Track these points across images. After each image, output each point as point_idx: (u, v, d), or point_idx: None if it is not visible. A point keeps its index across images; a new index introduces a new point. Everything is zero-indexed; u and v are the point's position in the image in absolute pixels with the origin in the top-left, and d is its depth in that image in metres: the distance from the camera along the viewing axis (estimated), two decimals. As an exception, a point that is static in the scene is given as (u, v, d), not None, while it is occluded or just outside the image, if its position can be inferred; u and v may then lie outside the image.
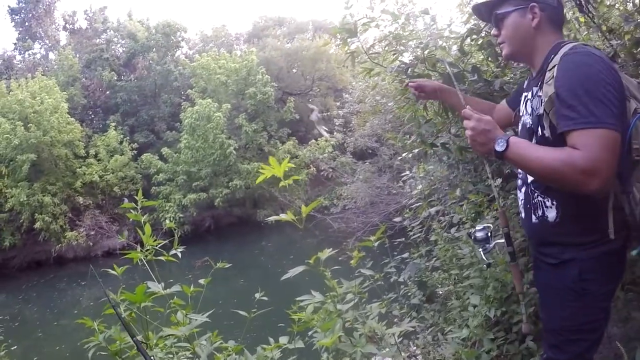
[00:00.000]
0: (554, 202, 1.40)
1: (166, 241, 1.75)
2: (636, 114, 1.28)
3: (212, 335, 1.76)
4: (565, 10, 2.31)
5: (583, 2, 2.01)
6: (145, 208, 1.81)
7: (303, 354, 1.80)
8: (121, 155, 18.44)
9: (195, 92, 19.70)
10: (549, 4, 1.44)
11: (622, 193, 1.31)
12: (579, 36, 2.35)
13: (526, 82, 1.61)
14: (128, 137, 19.44)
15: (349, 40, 2.46)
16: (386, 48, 2.78)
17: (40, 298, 13.36)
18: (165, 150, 18.54)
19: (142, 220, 1.68)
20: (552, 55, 1.37)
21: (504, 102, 1.85)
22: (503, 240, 1.68)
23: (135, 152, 19.04)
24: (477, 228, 1.72)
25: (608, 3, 2.24)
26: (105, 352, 1.68)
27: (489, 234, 1.69)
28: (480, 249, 1.70)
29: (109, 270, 1.80)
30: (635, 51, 1.97)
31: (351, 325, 1.85)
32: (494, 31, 1.59)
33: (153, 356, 1.57)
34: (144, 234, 1.66)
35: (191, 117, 17.80)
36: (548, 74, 1.35)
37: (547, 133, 1.36)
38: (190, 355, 1.74)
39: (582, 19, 2.21)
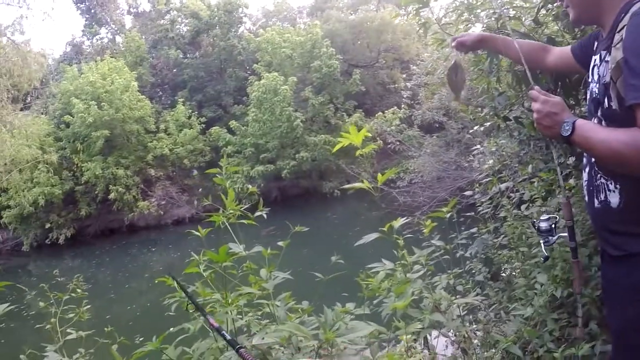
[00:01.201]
0: (618, 186, 1.27)
1: (248, 205, 1.89)
2: None
3: (286, 296, 1.87)
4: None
5: None
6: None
7: (369, 320, 1.87)
8: (190, 129, 19.41)
9: (261, 66, 20.08)
10: None
11: None
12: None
13: (596, 44, 1.44)
14: (196, 112, 20.37)
15: (420, 10, 2.42)
16: (458, 18, 2.71)
17: (112, 263, 14.35)
18: (233, 124, 19.18)
19: (226, 184, 1.81)
20: (623, 15, 1.23)
21: (568, 48, 1.69)
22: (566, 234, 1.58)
23: (204, 125, 19.92)
24: (542, 218, 1.65)
25: None
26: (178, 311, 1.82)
27: (554, 226, 1.61)
28: (542, 241, 1.63)
29: (193, 231, 1.95)
30: None
31: (419, 294, 1.90)
32: None
33: (229, 312, 1.70)
34: (226, 198, 1.79)
35: (258, 90, 18.24)
36: (617, 37, 1.21)
37: (614, 105, 1.23)
38: (259, 316, 1.85)
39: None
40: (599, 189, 1.34)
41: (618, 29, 1.22)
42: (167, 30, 23.13)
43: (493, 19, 2.52)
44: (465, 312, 2.28)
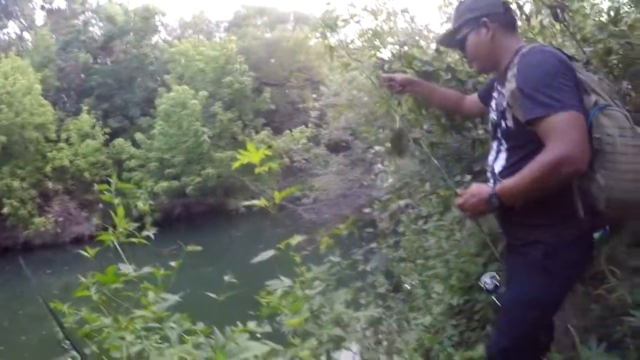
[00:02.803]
0: None
1: (138, 224, 1.76)
2: (596, 105, 1.36)
3: (182, 318, 1.77)
4: (541, 18, 2.44)
5: (558, 11, 2.12)
6: (115, 194, 1.81)
7: (271, 339, 1.83)
8: (93, 139, 18.07)
9: (172, 78, 19.54)
10: (497, 13, 1.56)
11: (589, 179, 1.36)
12: (555, 42, 2.45)
13: (495, 84, 1.69)
14: (101, 122, 19.12)
15: (328, 34, 2.49)
16: (365, 44, 2.84)
17: (5, 285, 12.89)
18: (138, 136, 18.31)
19: (116, 202, 1.69)
20: (515, 58, 1.48)
21: (476, 94, 1.94)
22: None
23: (108, 137, 18.71)
24: (485, 279, 1.78)
25: (583, 13, 2.37)
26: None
27: (497, 282, 1.75)
28: (494, 297, 1.76)
29: (82, 252, 1.78)
30: (607, 58, 2.09)
31: (318, 311, 1.90)
32: (462, 54, 1.73)
33: (124, 338, 1.57)
34: (116, 215, 1.67)
35: (167, 103, 17.67)
36: (509, 73, 1.47)
37: (510, 124, 1.48)
38: (160, 341, 1.75)
39: (557, 27, 2.31)
40: None
41: (511, 67, 1.47)
42: (79, 32, 21.60)
43: (397, 46, 2.68)
44: (368, 324, 2.34)
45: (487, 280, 1.77)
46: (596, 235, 1.47)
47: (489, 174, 1.66)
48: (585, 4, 2.38)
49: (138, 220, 1.82)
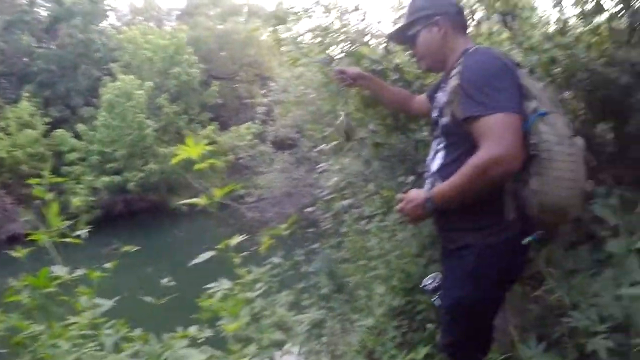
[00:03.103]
0: None
1: (73, 222, 1.61)
2: (535, 112, 1.39)
3: (118, 323, 1.65)
4: (490, 24, 2.50)
5: (509, 19, 2.19)
6: (54, 189, 1.65)
7: (212, 344, 1.74)
8: (32, 129, 16.78)
9: (118, 66, 18.70)
10: (450, 13, 1.59)
11: (522, 182, 1.39)
12: (501, 49, 2.52)
13: (441, 84, 1.72)
14: (42, 110, 17.86)
15: (279, 27, 2.42)
16: (315, 39, 2.78)
17: None
18: (80, 127, 17.34)
19: (47, 197, 1.53)
20: (461, 58, 1.51)
21: (424, 95, 1.95)
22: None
23: (49, 126, 17.53)
24: (426, 281, 1.79)
25: (532, 22, 2.46)
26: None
27: (437, 284, 1.76)
28: (434, 299, 1.76)
29: (10, 252, 1.64)
30: (550, 68, 2.18)
31: (260, 314, 1.84)
32: (410, 51, 1.75)
33: (59, 346, 1.45)
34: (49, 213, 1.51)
35: (111, 93, 16.86)
36: (454, 71, 1.50)
37: (447, 120, 1.50)
38: (97, 348, 1.62)
39: (505, 34, 2.38)
40: None
41: (455, 66, 1.50)
42: (24, 12, 19.90)
43: (348, 43, 2.65)
44: (309, 326, 2.29)
45: (429, 281, 1.78)
46: (526, 240, 1.47)
47: (426, 175, 1.68)
48: (534, 13, 2.48)
49: (77, 217, 1.67)
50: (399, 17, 2.46)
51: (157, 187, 18.12)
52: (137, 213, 17.82)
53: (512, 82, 1.39)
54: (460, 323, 1.57)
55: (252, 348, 1.52)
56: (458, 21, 1.61)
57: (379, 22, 3.09)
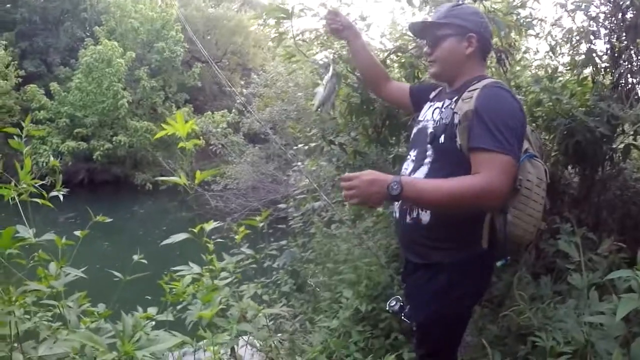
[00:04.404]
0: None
1: (45, 181, 1.53)
2: (526, 153, 1.50)
3: (81, 297, 1.59)
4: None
5: (503, 57, 2.28)
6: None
7: (172, 327, 1.72)
8: (5, 80, 15.90)
9: (102, 30, 17.96)
10: (485, 37, 1.58)
11: (500, 213, 1.48)
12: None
13: (434, 93, 1.72)
14: (16, 62, 16.92)
15: (282, 21, 2.42)
16: (314, 40, 2.80)
17: None
18: (53, 86, 16.52)
19: (25, 151, 1.46)
20: (475, 82, 1.50)
21: (407, 86, 1.95)
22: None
23: (21, 80, 16.66)
24: (391, 302, 1.81)
25: (523, 64, 2.59)
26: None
27: (402, 303, 1.79)
28: (403, 317, 1.79)
29: None
30: (534, 109, 2.31)
31: (227, 302, 1.83)
32: (426, 49, 1.68)
33: (13, 313, 1.37)
34: (22, 169, 1.43)
35: (91, 56, 16.17)
36: (467, 94, 1.46)
37: (447, 142, 1.47)
38: (51, 318, 1.57)
39: (494, 70, 2.48)
40: (412, 208, 1.56)
41: (469, 89, 1.47)
42: None
43: (345, 50, 2.68)
44: (271, 322, 2.31)
45: (392, 302, 1.82)
46: (498, 264, 1.56)
47: None
48: (527, 55, 2.63)
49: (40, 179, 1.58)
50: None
51: (122, 161, 17.56)
52: (99, 185, 17.22)
53: (522, 126, 1.44)
54: (433, 336, 1.63)
55: (225, 337, 1.52)
56: (486, 47, 1.61)
57: (382, 35, 3.15)
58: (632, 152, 2.50)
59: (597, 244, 1.95)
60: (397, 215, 1.65)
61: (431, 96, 1.73)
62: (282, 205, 5.16)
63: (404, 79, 2.50)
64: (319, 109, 1.99)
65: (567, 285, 1.80)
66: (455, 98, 1.51)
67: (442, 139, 1.49)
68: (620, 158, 2.46)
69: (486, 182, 1.34)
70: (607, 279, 1.50)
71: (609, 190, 2.47)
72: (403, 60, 2.48)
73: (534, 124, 2.26)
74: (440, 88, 1.72)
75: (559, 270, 2.00)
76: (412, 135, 1.70)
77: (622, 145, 2.41)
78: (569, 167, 2.62)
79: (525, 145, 1.50)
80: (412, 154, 1.61)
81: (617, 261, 1.91)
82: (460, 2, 1.81)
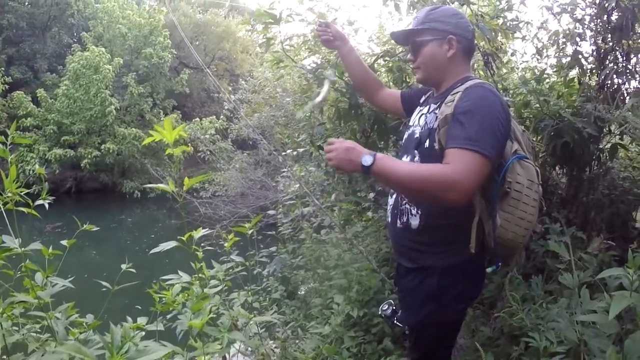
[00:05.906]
0: (419, 212, 1.52)
1: (32, 190, 1.49)
2: (515, 154, 1.46)
3: (69, 307, 1.55)
4: (472, 61, 2.62)
5: (489, 59, 2.30)
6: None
7: (162, 337, 1.68)
8: None
9: (90, 36, 17.85)
10: (466, 38, 1.57)
11: (489, 217, 1.47)
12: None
13: (424, 98, 1.73)
14: (3, 69, 16.75)
15: (270, 26, 2.42)
16: (302, 45, 2.80)
17: None
18: (40, 93, 16.29)
19: (10, 159, 1.41)
20: (459, 84, 1.49)
21: (398, 92, 1.95)
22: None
23: (7, 87, 16.40)
24: (383, 307, 1.81)
25: (510, 67, 2.61)
26: None
27: (394, 307, 1.79)
28: (389, 323, 1.78)
29: None
30: (522, 111, 2.32)
31: (217, 311, 1.80)
32: (409, 56, 1.68)
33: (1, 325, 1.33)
34: (7, 177, 1.39)
35: (78, 62, 15.98)
36: (449, 97, 1.45)
37: (436, 146, 1.46)
38: (39, 330, 1.52)
39: (482, 73, 2.50)
40: (402, 212, 1.57)
41: (453, 92, 1.46)
42: None
43: (333, 55, 2.69)
44: (263, 329, 2.28)
45: (385, 307, 1.82)
46: (489, 270, 1.56)
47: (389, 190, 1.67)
48: (514, 58, 2.65)
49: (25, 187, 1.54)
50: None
51: (110, 169, 17.35)
52: (86, 193, 17.03)
53: (506, 128, 1.41)
54: (426, 340, 1.62)
55: (216, 346, 1.49)
56: (468, 48, 1.59)
57: (369, 40, 3.16)
58: (619, 152, 2.53)
59: (586, 243, 1.97)
60: (389, 219, 1.66)
61: (421, 101, 1.73)
62: (271, 212, 5.13)
63: (392, 83, 2.50)
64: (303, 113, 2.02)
65: (558, 284, 1.81)
66: (439, 103, 1.51)
67: (427, 143, 1.50)
68: (608, 158, 2.49)
69: (451, 173, 1.31)
70: (599, 277, 1.49)
71: (597, 189, 2.49)
72: (391, 65, 2.49)
73: (522, 126, 2.28)
74: (430, 92, 1.71)
75: (549, 270, 2.01)
76: (402, 141, 1.70)
77: (609, 145, 2.44)
78: (557, 168, 2.65)
79: (515, 146, 1.48)
80: (405, 159, 1.60)
81: (606, 259, 1.93)
82: (438, 5, 1.77)
